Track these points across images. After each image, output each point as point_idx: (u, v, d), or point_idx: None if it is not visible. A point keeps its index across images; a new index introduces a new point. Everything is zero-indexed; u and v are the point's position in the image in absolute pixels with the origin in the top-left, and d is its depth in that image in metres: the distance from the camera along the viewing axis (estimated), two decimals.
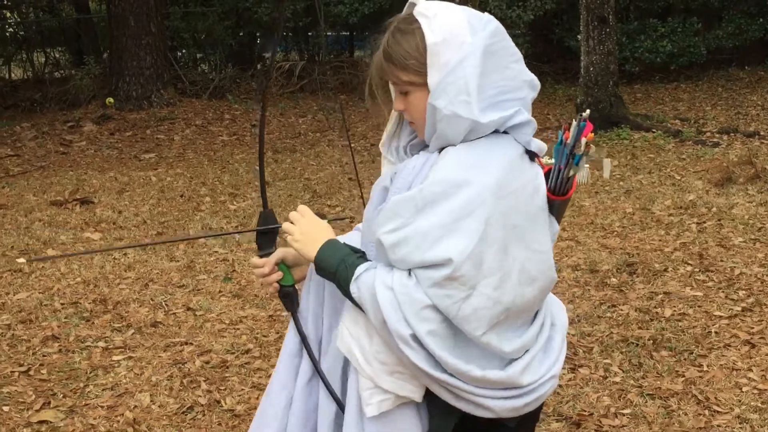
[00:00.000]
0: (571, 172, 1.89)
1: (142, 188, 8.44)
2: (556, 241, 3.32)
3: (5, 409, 3.80)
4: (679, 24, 14.89)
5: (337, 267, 1.83)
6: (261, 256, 2.09)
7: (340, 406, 1.95)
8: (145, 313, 4.91)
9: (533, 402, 1.88)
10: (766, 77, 14.67)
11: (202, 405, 3.82)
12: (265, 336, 4.58)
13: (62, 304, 5.08)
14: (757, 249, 5.65)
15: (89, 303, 5.07)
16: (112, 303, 5.07)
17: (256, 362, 4.25)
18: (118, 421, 3.69)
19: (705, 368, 4.00)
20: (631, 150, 9.24)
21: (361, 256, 1.87)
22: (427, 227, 1.72)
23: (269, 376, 4.07)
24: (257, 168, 2.19)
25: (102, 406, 3.82)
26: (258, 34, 17.16)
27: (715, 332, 4.40)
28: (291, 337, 2.08)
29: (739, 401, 3.67)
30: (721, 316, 4.59)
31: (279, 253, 2.08)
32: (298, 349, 2.05)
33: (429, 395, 1.87)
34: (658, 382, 3.87)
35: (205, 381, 4.05)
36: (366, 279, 1.78)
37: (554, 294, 2.02)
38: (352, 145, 10.77)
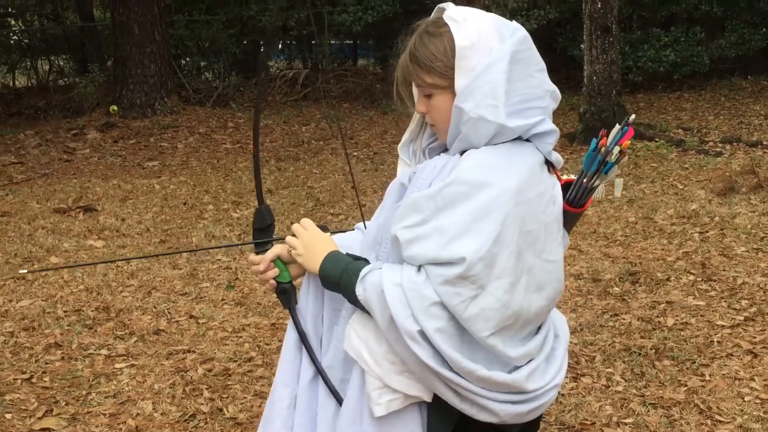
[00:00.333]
0: (598, 182, 1.91)
1: (146, 196, 8.45)
2: None
3: (8, 416, 3.80)
4: (682, 33, 14.89)
5: (341, 276, 1.85)
6: (257, 253, 2.11)
7: (339, 402, 1.95)
8: (148, 321, 4.92)
9: (536, 409, 1.89)
10: None
11: (205, 413, 3.82)
12: (267, 344, 4.58)
13: (65, 311, 5.08)
14: (760, 258, 5.65)
15: (92, 311, 5.08)
16: (115, 311, 5.08)
17: (259, 370, 4.25)
18: (120, 429, 3.69)
19: (707, 378, 4.00)
20: (634, 159, 9.24)
21: (362, 261, 1.88)
22: (445, 225, 1.74)
23: (272, 384, 4.08)
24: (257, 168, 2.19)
25: (104, 414, 3.82)
26: (261, 43, 17.20)
27: (718, 342, 4.40)
28: (290, 335, 2.08)
29: (742, 411, 3.67)
30: (723, 326, 4.59)
31: (275, 249, 2.10)
32: (299, 346, 2.06)
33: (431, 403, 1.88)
34: (661, 392, 3.87)
35: (207, 389, 4.05)
36: (372, 278, 1.79)
37: (557, 303, 2.03)
38: (355, 153, 10.78)
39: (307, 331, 2.04)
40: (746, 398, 3.79)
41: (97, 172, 10.13)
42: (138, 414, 3.82)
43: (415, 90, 1.95)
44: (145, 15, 13.42)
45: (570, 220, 1.94)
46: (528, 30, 1.87)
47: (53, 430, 3.69)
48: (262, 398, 3.94)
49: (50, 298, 5.31)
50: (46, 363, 4.38)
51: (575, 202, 1.93)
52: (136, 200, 8.25)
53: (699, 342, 4.39)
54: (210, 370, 4.26)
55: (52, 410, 3.87)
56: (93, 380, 4.17)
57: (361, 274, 1.81)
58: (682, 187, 7.91)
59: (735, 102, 13.44)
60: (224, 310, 5.09)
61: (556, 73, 16.52)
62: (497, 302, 1.74)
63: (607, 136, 1.90)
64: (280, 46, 18.80)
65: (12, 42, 17.23)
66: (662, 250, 5.95)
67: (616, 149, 1.88)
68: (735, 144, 9.96)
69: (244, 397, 3.97)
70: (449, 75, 1.83)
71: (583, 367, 4.16)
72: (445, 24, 1.85)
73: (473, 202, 1.74)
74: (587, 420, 3.65)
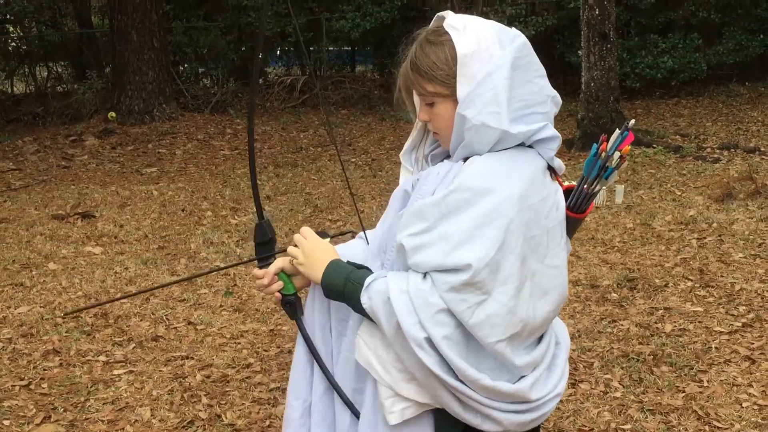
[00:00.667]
0: (598, 187, 1.91)
1: (144, 202, 8.45)
2: None
3: (6, 423, 3.80)
4: (679, 40, 14.93)
5: (344, 286, 1.85)
6: (260, 267, 2.11)
7: (354, 413, 1.96)
8: (146, 327, 4.92)
9: (539, 418, 1.89)
10: (766, 93, 14.70)
11: (203, 419, 3.82)
12: (266, 350, 4.58)
13: (63, 318, 5.08)
14: (758, 265, 5.65)
15: (90, 317, 5.08)
16: (113, 317, 5.08)
17: (257, 377, 4.25)
18: None
19: (705, 384, 4.00)
20: (632, 165, 9.25)
21: (364, 270, 1.88)
22: (450, 232, 1.75)
23: (270, 391, 4.09)
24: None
25: (102, 421, 3.82)
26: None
27: (716, 348, 4.40)
28: (300, 347, 2.09)
29: (740, 417, 3.67)
30: (721, 332, 4.59)
31: (278, 262, 2.09)
32: (309, 358, 2.07)
33: (437, 412, 1.88)
34: (659, 398, 3.87)
35: (205, 395, 4.05)
36: (377, 287, 1.80)
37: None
38: (353, 159, 10.79)
39: (316, 342, 2.05)
40: (744, 404, 3.79)
41: (95, 179, 10.14)
42: (136, 420, 3.82)
43: (416, 98, 1.96)
44: (143, 22, 13.44)
45: (571, 225, 1.95)
46: (526, 37, 1.88)
47: None
48: (260, 404, 3.94)
49: (48, 304, 5.31)
50: (45, 369, 4.38)
51: (576, 208, 1.93)
52: (134, 206, 8.25)
53: (697, 348, 4.40)
54: (208, 377, 4.26)
55: (50, 417, 3.87)
56: (91, 386, 4.17)
57: (366, 282, 1.81)
58: (679, 193, 7.92)
59: (732, 108, 13.47)
60: (222, 317, 5.09)
61: (553, 79, 16.38)
62: (503, 308, 1.75)
63: (607, 142, 1.91)
64: (278, 52, 18.85)
65: (10, 48, 17.23)
66: (660, 256, 5.95)
67: (616, 154, 1.88)
68: (732, 150, 9.98)
69: (243, 404, 3.96)
70: (451, 83, 1.84)
71: (582, 374, 4.16)
72: (446, 32, 1.86)
73: (477, 208, 1.75)
74: (585, 426, 3.65)
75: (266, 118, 13.87)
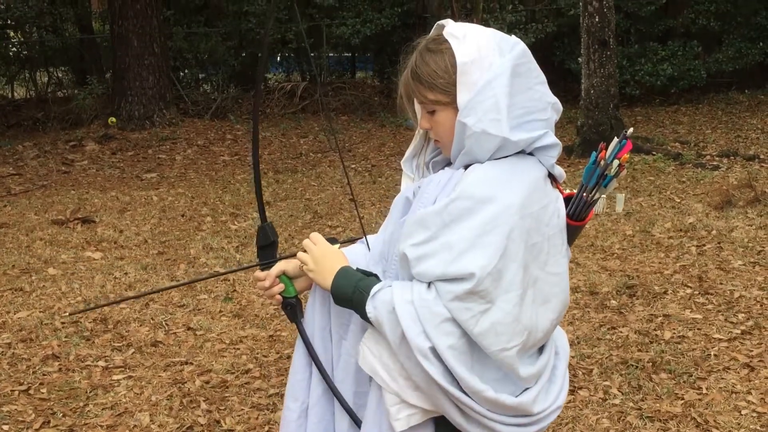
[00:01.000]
0: (597, 195, 1.92)
1: (144, 208, 8.46)
2: None
3: (5, 428, 3.80)
4: (679, 47, 14.96)
5: (353, 294, 1.85)
6: (262, 269, 2.11)
7: (353, 418, 1.96)
8: (146, 333, 4.92)
9: (540, 430, 1.89)
10: (766, 101, 14.73)
11: (202, 425, 3.82)
12: (265, 356, 4.58)
13: (63, 323, 5.08)
14: (757, 272, 5.66)
15: (90, 322, 5.08)
16: (113, 322, 5.08)
17: (256, 382, 4.26)
18: None
19: (704, 391, 4.00)
20: (631, 172, 9.26)
21: (373, 278, 1.88)
22: (452, 241, 1.75)
23: (269, 396, 4.09)
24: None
25: (102, 426, 3.82)
26: (260, 55, 17.24)
27: (715, 355, 4.40)
28: (299, 349, 2.09)
29: (738, 424, 3.67)
30: (720, 339, 4.60)
31: (280, 265, 2.10)
32: (308, 361, 2.07)
33: (438, 418, 1.88)
34: (658, 405, 3.87)
35: (204, 401, 4.05)
36: (382, 296, 1.80)
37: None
38: (353, 165, 10.79)
39: (316, 344, 2.05)
40: (743, 411, 3.79)
41: (95, 184, 10.14)
42: (135, 426, 3.82)
43: (417, 106, 1.97)
44: (143, 27, 13.46)
45: (571, 233, 1.95)
46: (526, 44, 1.88)
47: None
48: (259, 410, 3.94)
49: (48, 310, 5.31)
50: (44, 374, 4.38)
51: (576, 216, 1.94)
52: (134, 212, 8.25)
53: (696, 355, 4.40)
54: (207, 382, 4.26)
55: (49, 422, 3.87)
56: (90, 392, 4.17)
57: (372, 292, 1.81)
58: (679, 200, 7.93)
59: (732, 116, 13.49)
60: (222, 322, 5.09)
61: (553, 86, 16.45)
62: (507, 316, 1.75)
63: (606, 149, 1.91)
64: (278, 58, 18.87)
65: (11, 54, 17.24)
66: (659, 263, 5.96)
67: (615, 162, 1.89)
68: (732, 158, 9.99)
69: (242, 409, 3.97)
70: (451, 91, 1.84)
71: (580, 380, 4.16)
72: (446, 40, 1.86)
73: (479, 216, 1.75)
74: None
75: (266, 124, 13.88)
